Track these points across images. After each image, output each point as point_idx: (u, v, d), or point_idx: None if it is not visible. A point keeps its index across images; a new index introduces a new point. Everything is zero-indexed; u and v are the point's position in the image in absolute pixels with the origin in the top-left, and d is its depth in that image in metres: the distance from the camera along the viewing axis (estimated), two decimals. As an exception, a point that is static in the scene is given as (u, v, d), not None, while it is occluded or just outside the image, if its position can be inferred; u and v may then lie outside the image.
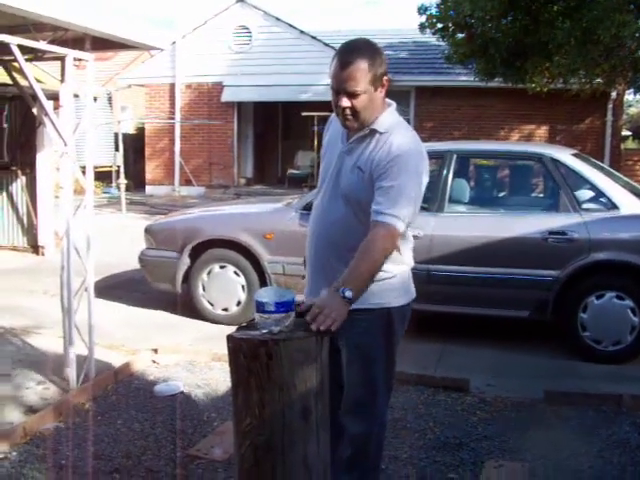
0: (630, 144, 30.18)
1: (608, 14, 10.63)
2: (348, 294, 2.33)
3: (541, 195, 7.09)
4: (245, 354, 2.21)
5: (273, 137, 21.34)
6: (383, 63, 2.62)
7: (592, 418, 4.28)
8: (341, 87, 2.57)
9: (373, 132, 2.66)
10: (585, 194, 5.83)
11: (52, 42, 4.36)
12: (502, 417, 4.31)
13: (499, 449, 3.85)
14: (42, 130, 9.04)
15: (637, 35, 11.52)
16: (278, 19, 18.38)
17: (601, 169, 6.25)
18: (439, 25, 14.23)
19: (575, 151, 6.45)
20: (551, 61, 12.67)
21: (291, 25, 18.33)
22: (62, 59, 4.45)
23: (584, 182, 5.81)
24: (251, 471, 2.29)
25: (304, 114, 17.93)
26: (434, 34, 14.67)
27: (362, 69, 2.54)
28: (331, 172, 2.77)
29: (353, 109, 2.59)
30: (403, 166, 2.56)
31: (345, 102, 2.58)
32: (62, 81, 4.52)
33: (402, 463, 3.68)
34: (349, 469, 2.82)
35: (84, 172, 4.65)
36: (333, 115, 2.79)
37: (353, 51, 2.57)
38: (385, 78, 2.64)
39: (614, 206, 5.61)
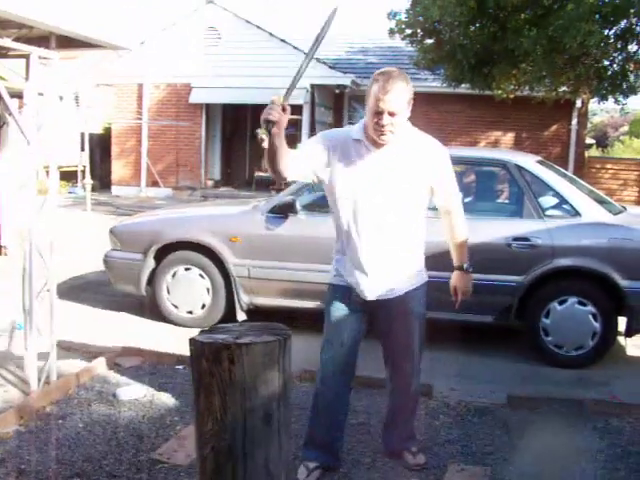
0: (594, 152, 30.68)
1: (574, 23, 10.80)
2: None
3: (505, 201, 7.16)
4: (207, 358, 2.20)
5: (241, 139, 21.27)
6: (411, 89, 3.18)
7: (554, 422, 4.33)
8: (385, 108, 3.07)
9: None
10: (548, 201, 5.90)
11: (17, 39, 4.29)
12: (465, 421, 4.34)
13: (462, 453, 3.87)
14: (6, 129, 8.91)
15: (602, 44, 11.72)
16: (248, 21, 18.31)
17: (564, 176, 6.33)
18: (408, 31, 14.34)
19: (539, 158, 6.52)
20: (518, 68, 12.85)
21: (260, 27, 18.27)
22: (27, 57, 4.38)
23: (548, 189, 5.89)
24: (213, 475, 2.28)
25: (273, 117, 17.88)
26: (403, 39, 14.78)
27: (401, 93, 3.10)
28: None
29: (392, 126, 3.13)
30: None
31: (387, 120, 3.10)
32: (27, 79, 4.46)
33: (365, 467, 3.69)
34: (412, 417, 3.75)
35: (48, 172, 4.59)
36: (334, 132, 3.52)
37: (393, 78, 3.09)
38: (411, 101, 3.19)
39: (577, 213, 5.69)
